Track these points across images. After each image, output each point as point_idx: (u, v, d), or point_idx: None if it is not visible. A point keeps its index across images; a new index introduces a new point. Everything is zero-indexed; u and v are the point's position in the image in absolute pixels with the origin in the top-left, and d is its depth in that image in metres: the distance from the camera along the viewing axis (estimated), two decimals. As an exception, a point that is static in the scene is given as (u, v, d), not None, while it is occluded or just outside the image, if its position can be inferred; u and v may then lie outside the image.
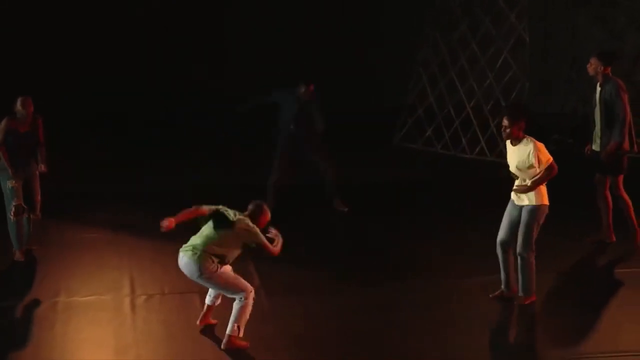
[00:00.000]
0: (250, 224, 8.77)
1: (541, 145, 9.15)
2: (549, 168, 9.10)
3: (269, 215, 9.00)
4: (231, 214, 8.84)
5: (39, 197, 10.76)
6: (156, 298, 9.92)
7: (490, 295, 9.66)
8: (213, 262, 8.80)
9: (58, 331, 9.20)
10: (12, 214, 10.51)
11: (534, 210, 9.18)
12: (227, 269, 8.90)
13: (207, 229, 8.83)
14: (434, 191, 13.29)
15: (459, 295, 10.00)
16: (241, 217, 8.84)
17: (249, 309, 8.75)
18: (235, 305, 8.75)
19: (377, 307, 9.84)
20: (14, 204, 10.51)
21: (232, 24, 17.17)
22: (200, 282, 8.91)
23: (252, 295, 8.77)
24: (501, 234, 9.46)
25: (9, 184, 10.53)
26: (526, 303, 9.44)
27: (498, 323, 9.58)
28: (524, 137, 9.17)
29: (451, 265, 10.73)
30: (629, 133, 10.58)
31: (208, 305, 9.33)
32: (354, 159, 13.11)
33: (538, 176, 9.09)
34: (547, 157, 9.15)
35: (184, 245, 8.91)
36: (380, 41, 16.48)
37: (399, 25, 16.01)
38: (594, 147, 10.76)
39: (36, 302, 9.81)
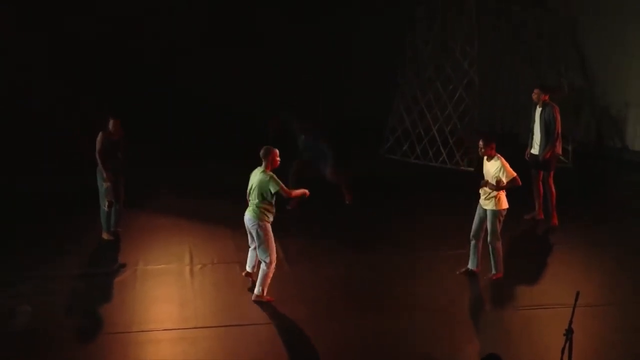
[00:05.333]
0: (269, 173, 9.59)
1: (506, 163, 10.17)
2: (513, 180, 10.22)
3: (276, 152, 9.73)
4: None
5: (124, 195, 11.88)
6: (208, 266, 11.00)
7: (457, 272, 10.63)
8: (266, 216, 9.86)
9: (138, 290, 10.44)
10: (106, 207, 11.61)
11: (495, 213, 10.35)
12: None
13: (255, 190, 9.85)
14: (410, 190, 14.45)
15: (435, 264, 11.06)
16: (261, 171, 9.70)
17: (270, 275, 9.88)
18: (260, 272, 9.91)
19: (369, 269, 10.98)
20: (107, 200, 11.56)
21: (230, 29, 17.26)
22: (254, 231, 9.83)
23: (273, 265, 9.87)
24: (473, 228, 10.56)
25: (105, 185, 11.56)
26: (494, 278, 10.55)
27: (459, 283, 10.63)
28: (495, 155, 10.26)
29: (425, 241, 11.87)
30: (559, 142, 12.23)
31: (248, 272, 10.49)
32: (351, 165, 14.35)
33: (503, 184, 10.19)
34: (511, 172, 10.19)
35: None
36: (371, 76, 17.33)
37: (382, 67, 16.93)
38: (532, 152, 12.40)
39: (121, 269, 10.99)
